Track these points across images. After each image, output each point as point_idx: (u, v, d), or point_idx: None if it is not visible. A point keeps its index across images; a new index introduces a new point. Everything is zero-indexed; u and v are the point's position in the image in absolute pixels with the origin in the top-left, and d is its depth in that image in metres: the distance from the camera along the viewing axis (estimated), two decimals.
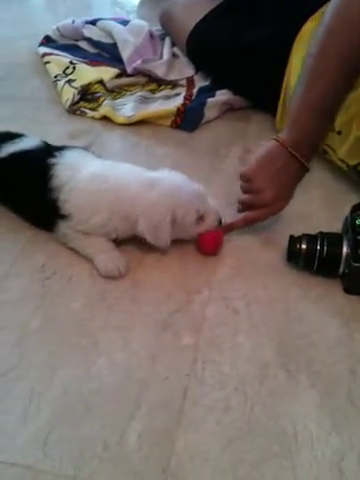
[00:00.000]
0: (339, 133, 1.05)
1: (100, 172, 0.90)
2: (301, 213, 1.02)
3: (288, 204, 0.93)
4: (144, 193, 0.86)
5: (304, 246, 0.87)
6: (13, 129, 1.05)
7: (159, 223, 0.85)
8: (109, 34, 1.59)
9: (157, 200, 0.85)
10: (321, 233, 0.88)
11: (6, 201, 1.00)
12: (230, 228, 0.95)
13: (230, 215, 1.01)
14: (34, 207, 0.94)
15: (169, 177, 0.90)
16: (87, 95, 1.38)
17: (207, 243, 0.92)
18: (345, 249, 0.85)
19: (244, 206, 0.95)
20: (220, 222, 0.92)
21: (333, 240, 0.87)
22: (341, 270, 0.86)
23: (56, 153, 0.93)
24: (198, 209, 0.88)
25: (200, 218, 0.89)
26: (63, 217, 0.89)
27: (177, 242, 0.94)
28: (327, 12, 0.94)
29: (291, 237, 0.89)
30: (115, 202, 0.86)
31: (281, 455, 0.66)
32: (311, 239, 0.88)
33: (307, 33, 1.17)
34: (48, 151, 0.95)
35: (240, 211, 0.96)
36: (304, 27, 1.19)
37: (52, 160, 0.91)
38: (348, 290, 0.87)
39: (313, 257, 0.87)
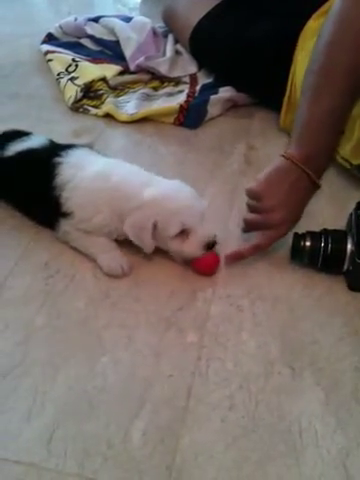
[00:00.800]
0: (342, 133, 1.04)
1: (103, 171, 0.90)
2: (305, 210, 1.02)
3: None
4: (137, 194, 0.85)
5: (308, 243, 0.87)
6: (17, 127, 1.05)
7: (141, 226, 0.83)
8: (112, 31, 1.58)
9: (145, 202, 0.83)
10: (325, 230, 0.88)
11: (11, 199, 1.00)
12: (238, 257, 0.89)
13: (234, 212, 1.01)
14: (38, 205, 0.94)
15: (168, 184, 0.88)
16: (90, 92, 1.38)
17: (200, 263, 0.88)
18: (349, 246, 0.85)
19: (249, 226, 0.89)
20: (212, 245, 0.86)
21: (337, 237, 0.86)
22: (345, 267, 0.86)
23: (61, 152, 0.93)
24: (184, 223, 0.83)
25: (184, 233, 0.84)
26: (65, 215, 0.89)
27: None
28: (325, 24, 0.89)
29: (295, 234, 0.89)
30: (113, 201, 0.86)
31: (286, 453, 0.66)
32: (315, 236, 0.87)
33: (311, 30, 1.17)
34: (54, 150, 0.95)
35: (244, 231, 0.91)
36: (308, 24, 1.18)
37: (57, 159, 0.91)
38: (352, 287, 0.87)
39: (317, 254, 0.86)
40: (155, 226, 0.83)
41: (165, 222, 0.83)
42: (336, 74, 0.86)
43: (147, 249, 0.86)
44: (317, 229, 0.89)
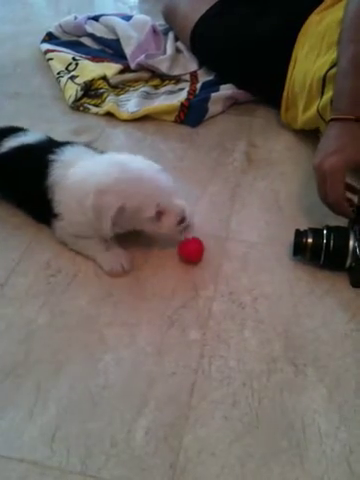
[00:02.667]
0: None
1: (85, 168, 0.87)
2: (306, 207, 1.02)
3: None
4: (103, 174, 0.81)
5: (310, 240, 0.87)
6: (17, 126, 1.05)
7: (102, 210, 0.80)
8: (112, 30, 1.58)
9: (110, 184, 0.80)
10: (327, 227, 0.88)
11: (10, 196, 1.00)
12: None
13: (235, 210, 1.01)
14: (34, 203, 0.93)
15: (137, 163, 0.84)
16: (90, 91, 1.37)
17: (184, 250, 0.90)
18: (352, 242, 0.84)
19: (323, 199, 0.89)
20: (183, 220, 0.85)
21: (339, 233, 0.86)
22: (348, 264, 0.86)
23: (56, 149, 0.92)
24: (158, 204, 0.81)
25: (160, 213, 0.83)
26: (56, 216, 0.88)
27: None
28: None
29: (297, 231, 0.89)
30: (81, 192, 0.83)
31: (289, 450, 0.66)
32: (317, 233, 0.87)
33: (311, 26, 1.17)
34: (49, 146, 0.94)
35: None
36: (308, 20, 1.18)
37: (51, 156, 0.90)
38: (355, 284, 0.87)
39: (320, 251, 0.86)
40: (123, 209, 0.80)
41: (136, 207, 0.80)
42: None
43: (105, 234, 0.82)
44: (319, 226, 0.88)
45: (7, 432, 0.67)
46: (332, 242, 0.85)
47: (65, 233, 0.90)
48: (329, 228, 0.87)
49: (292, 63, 1.20)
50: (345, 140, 0.89)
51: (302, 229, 0.89)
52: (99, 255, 0.89)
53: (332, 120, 0.92)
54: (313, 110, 1.11)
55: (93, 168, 0.85)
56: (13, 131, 1.00)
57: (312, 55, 1.14)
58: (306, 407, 0.70)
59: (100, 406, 0.70)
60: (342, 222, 0.90)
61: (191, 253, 0.90)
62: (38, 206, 0.92)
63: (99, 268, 0.89)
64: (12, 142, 0.96)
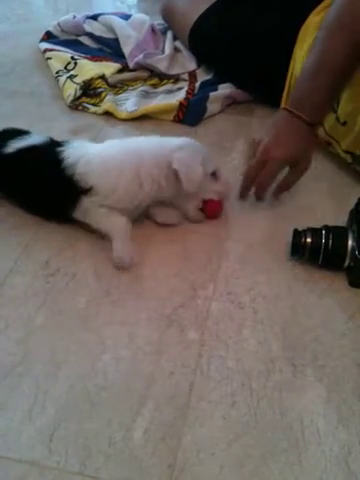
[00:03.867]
0: (344, 124, 1.04)
1: (114, 141, 0.95)
2: (305, 206, 1.02)
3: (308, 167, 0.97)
4: (168, 141, 0.93)
5: (309, 240, 0.87)
6: (16, 125, 1.05)
7: (192, 162, 0.89)
8: (110, 29, 1.58)
9: (184, 144, 0.92)
10: (326, 226, 0.88)
11: (15, 196, 0.99)
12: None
13: (234, 209, 1.01)
14: (48, 194, 0.93)
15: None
16: (89, 90, 1.37)
17: (210, 206, 0.97)
18: (350, 242, 0.84)
19: (250, 172, 0.97)
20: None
21: (338, 233, 0.86)
22: (346, 263, 0.86)
23: (62, 143, 0.94)
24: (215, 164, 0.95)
25: (214, 174, 0.94)
26: (85, 192, 0.88)
27: (180, 238, 0.94)
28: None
29: (295, 231, 0.89)
30: (140, 159, 0.89)
31: (288, 450, 0.66)
32: (316, 233, 0.87)
33: (311, 25, 1.17)
34: (55, 144, 0.95)
35: (244, 185, 1.00)
36: (308, 20, 1.18)
37: (60, 148, 0.92)
38: (353, 283, 0.87)
39: (318, 251, 0.86)
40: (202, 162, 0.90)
41: (205, 161, 0.91)
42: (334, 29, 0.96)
43: (195, 184, 0.90)
44: (318, 226, 0.88)
45: (5, 432, 0.67)
46: (331, 242, 0.85)
47: (94, 209, 0.89)
48: (328, 228, 0.87)
49: (292, 62, 1.20)
50: (294, 135, 0.95)
51: (300, 229, 0.89)
52: (117, 240, 0.89)
53: (285, 109, 0.97)
54: None
55: (135, 141, 0.95)
56: (17, 133, 1.00)
57: None
58: (305, 407, 0.70)
59: (98, 406, 0.70)
60: (341, 222, 0.90)
61: (218, 207, 0.98)
62: (53, 194, 0.92)
63: (98, 267, 0.89)
64: (18, 143, 0.96)
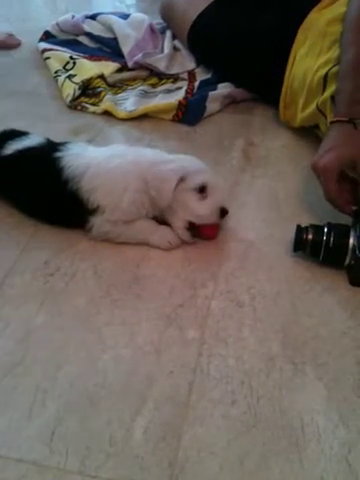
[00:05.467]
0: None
1: (116, 152, 0.92)
2: (305, 205, 1.02)
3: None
4: (161, 155, 0.92)
5: (310, 236, 0.87)
6: (15, 125, 1.05)
7: (166, 177, 0.86)
8: (109, 28, 1.58)
9: (172, 158, 0.90)
10: (329, 224, 0.88)
11: (13, 199, 0.99)
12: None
13: (234, 208, 1.01)
14: (49, 204, 0.93)
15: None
16: (88, 90, 1.37)
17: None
18: (352, 240, 0.84)
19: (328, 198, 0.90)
20: (224, 213, 0.91)
21: (340, 231, 0.86)
22: (347, 262, 0.86)
23: (61, 146, 0.94)
24: (206, 180, 0.89)
25: (203, 193, 0.89)
26: (93, 211, 0.88)
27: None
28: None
29: (298, 227, 0.89)
30: (138, 166, 0.88)
31: (288, 448, 0.66)
32: (318, 230, 0.87)
33: (312, 24, 1.17)
34: (52, 146, 0.95)
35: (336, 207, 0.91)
36: (308, 17, 1.18)
37: (58, 154, 0.91)
38: (353, 282, 0.87)
39: (319, 248, 0.86)
40: (181, 179, 0.87)
41: (191, 176, 0.87)
42: None
43: (164, 201, 0.87)
44: (319, 223, 0.89)
45: (5, 432, 0.67)
46: (332, 239, 0.85)
47: (108, 226, 0.89)
48: (330, 225, 0.87)
49: (291, 60, 1.20)
50: (339, 140, 0.90)
51: (303, 225, 0.89)
52: (151, 237, 0.90)
53: (331, 123, 0.94)
54: (313, 107, 1.11)
55: (136, 151, 0.93)
56: (16, 134, 1.00)
57: (313, 53, 1.14)
58: (305, 406, 0.70)
59: (99, 405, 0.70)
60: (345, 220, 0.89)
61: (209, 230, 0.93)
62: (56, 207, 0.92)
63: (98, 267, 0.89)
64: (16, 145, 0.96)
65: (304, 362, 0.75)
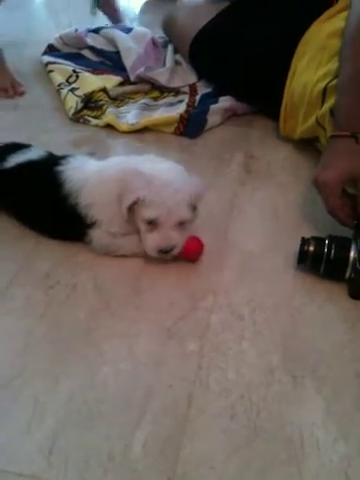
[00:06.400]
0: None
1: (110, 164, 0.92)
2: (305, 217, 1.02)
3: None
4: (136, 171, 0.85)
5: (312, 248, 0.87)
6: (17, 137, 1.06)
7: (127, 192, 0.83)
8: (112, 42, 1.60)
9: (141, 174, 0.84)
10: (330, 236, 0.88)
11: (14, 212, 1.00)
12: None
13: (233, 221, 1.01)
14: (50, 219, 0.94)
15: (169, 171, 0.87)
16: (90, 103, 1.39)
17: (184, 249, 0.89)
18: (353, 254, 0.84)
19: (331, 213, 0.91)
20: (166, 252, 0.86)
21: (341, 244, 0.86)
22: (347, 275, 0.86)
23: (61, 160, 0.94)
24: (158, 215, 0.83)
25: (154, 224, 0.85)
26: (91, 225, 0.89)
27: None
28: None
29: (302, 239, 0.89)
30: (120, 182, 0.85)
31: (288, 462, 0.65)
32: (319, 242, 0.87)
33: (312, 37, 1.18)
34: (54, 160, 0.95)
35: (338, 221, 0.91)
36: (309, 31, 1.20)
37: (59, 168, 0.92)
38: (353, 295, 0.87)
39: (320, 260, 0.86)
40: (137, 201, 0.83)
41: (145, 203, 0.83)
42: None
43: (122, 208, 0.84)
44: (319, 236, 0.89)
45: (4, 445, 0.67)
46: (333, 252, 0.85)
47: (107, 239, 0.90)
48: (331, 238, 0.87)
49: (291, 74, 1.21)
50: (340, 155, 0.91)
51: (306, 237, 0.89)
52: (148, 238, 0.87)
53: (331, 137, 0.94)
54: (312, 120, 1.12)
55: (126, 160, 0.90)
56: (17, 147, 1.01)
57: (312, 66, 1.15)
58: (304, 419, 0.70)
59: (98, 419, 0.69)
60: (346, 233, 0.89)
61: (189, 252, 0.90)
62: (56, 222, 0.93)
63: (98, 280, 0.89)
64: (18, 158, 0.97)
65: (304, 375, 0.75)
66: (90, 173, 0.91)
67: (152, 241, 0.86)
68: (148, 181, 0.83)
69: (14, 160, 0.96)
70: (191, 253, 0.91)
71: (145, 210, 0.83)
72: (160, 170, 0.86)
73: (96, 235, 0.90)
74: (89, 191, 0.88)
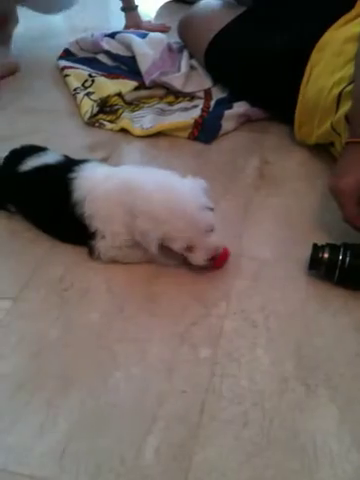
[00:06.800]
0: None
1: (111, 175, 0.90)
2: (320, 224, 1.01)
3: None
4: (145, 196, 0.83)
5: (326, 255, 0.86)
6: (33, 141, 1.07)
7: (149, 236, 0.83)
8: (128, 47, 1.61)
9: (154, 211, 0.82)
10: (345, 244, 0.87)
11: (29, 215, 1.00)
12: None
13: (247, 227, 1.01)
14: (64, 226, 0.94)
15: (178, 192, 0.85)
16: (106, 107, 1.39)
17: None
18: None
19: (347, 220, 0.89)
20: (213, 258, 0.87)
21: (356, 251, 0.85)
22: None
23: (76, 166, 0.94)
24: (189, 241, 0.84)
25: (190, 248, 0.85)
26: (92, 236, 0.89)
27: None
28: None
29: (314, 245, 0.88)
30: (123, 201, 0.85)
31: (300, 471, 0.65)
32: (334, 249, 0.87)
33: (328, 42, 1.18)
34: (68, 165, 0.95)
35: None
36: (324, 37, 1.19)
37: (72, 175, 0.91)
38: None
39: (334, 267, 0.86)
40: (162, 238, 0.83)
41: (171, 238, 0.83)
42: None
43: (153, 251, 0.84)
44: (334, 243, 0.88)
45: (17, 448, 0.67)
46: (348, 259, 0.85)
47: (113, 251, 0.90)
48: (346, 245, 0.87)
49: (306, 79, 1.20)
50: (356, 162, 0.89)
51: (320, 244, 0.89)
52: (157, 257, 0.88)
53: (346, 143, 0.93)
54: (327, 125, 1.12)
55: (135, 182, 0.86)
56: (34, 150, 1.01)
57: (328, 71, 1.15)
58: (318, 428, 0.69)
59: (110, 423, 0.69)
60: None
61: (217, 260, 0.90)
62: (67, 228, 0.93)
63: (111, 283, 0.90)
64: (34, 161, 0.97)
65: (317, 384, 0.75)
66: (96, 182, 0.90)
67: (198, 258, 0.86)
68: (166, 210, 0.82)
69: (31, 163, 0.97)
70: (218, 261, 0.90)
71: (174, 243, 0.84)
72: (170, 188, 0.85)
73: (101, 247, 0.90)
74: (91, 202, 0.88)
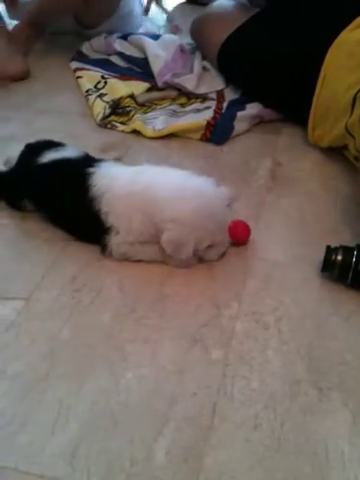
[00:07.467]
0: None
1: (133, 175, 0.91)
2: (332, 226, 1.01)
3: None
4: (170, 205, 0.85)
5: (340, 257, 0.86)
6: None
7: (182, 242, 0.85)
8: (140, 49, 1.61)
9: (182, 218, 0.84)
10: (358, 246, 0.86)
11: (45, 210, 1.01)
12: None
13: (259, 228, 1.00)
14: (79, 220, 0.94)
15: (200, 196, 0.87)
16: (118, 109, 1.40)
17: (234, 233, 0.94)
18: None
19: None
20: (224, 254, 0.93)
21: None
22: None
23: (94, 162, 0.95)
24: (214, 241, 0.88)
25: (209, 246, 0.89)
26: (108, 231, 0.90)
27: None
28: None
29: (328, 247, 0.88)
30: (144, 206, 0.86)
31: (312, 475, 0.64)
32: (348, 251, 0.86)
33: (342, 45, 1.17)
34: (88, 161, 0.96)
35: None
36: (338, 39, 1.18)
37: (90, 170, 0.92)
38: None
39: (348, 270, 0.85)
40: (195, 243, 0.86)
41: (199, 239, 0.86)
42: None
43: (184, 258, 0.87)
44: (351, 244, 0.88)
45: (28, 447, 0.67)
46: None
47: (125, 246, 0.91)
48: None
49: (320, 81, 1.20)
50: None
51: (333, 246, 0.88)
52: (169, 257, 0.89)
53: None
54: (341, 127, 1.11)
55: (161, 183, 0.89)
56: (51, 145, 1.02)
57: (342, 73, 1.14)
58: (330, 432, 0.69)
59: (121, 424, 0.69)
60: None
61: (240, 235, 0.95)
62: (83, 223, 0.94)
63: (123, 284, 0.90)
64: (53, 155, 0.98)
65: (330, 387, 0.74)
66: (113, 180, 0.91)
67: (214, 254, 0.91)
68: (196, 215, 0.85)
69: (49, 156, 0.98)
70: (242, 236, 0.96)
71: (201, 244, 0.87)
72: (195, 192, 0.87)
73: (114, 242, 0.90)
74: (109, 199, 0.89)
